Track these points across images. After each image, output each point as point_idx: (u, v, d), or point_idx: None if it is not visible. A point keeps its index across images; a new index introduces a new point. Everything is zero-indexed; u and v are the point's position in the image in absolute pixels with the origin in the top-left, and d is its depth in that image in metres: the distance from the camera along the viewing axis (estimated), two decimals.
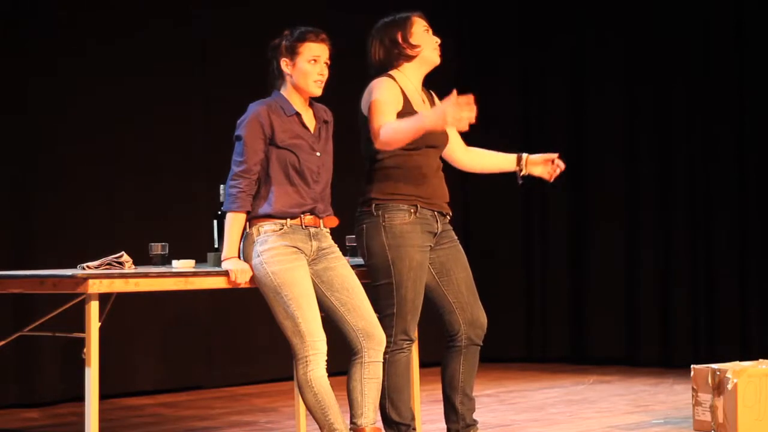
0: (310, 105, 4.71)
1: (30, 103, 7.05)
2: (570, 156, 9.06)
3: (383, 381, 4.65)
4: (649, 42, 8.76)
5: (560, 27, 9.19)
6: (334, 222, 4.73)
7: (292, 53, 4.60)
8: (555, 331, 9.20)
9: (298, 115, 4.63)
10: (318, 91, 4.63)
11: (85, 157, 7.23)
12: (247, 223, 4.60)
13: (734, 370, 5.45)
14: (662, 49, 8.71)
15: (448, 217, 4.93)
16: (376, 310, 4.69)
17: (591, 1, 9.05)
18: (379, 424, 4.65)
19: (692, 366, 5.66)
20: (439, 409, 4.99)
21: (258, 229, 4.57)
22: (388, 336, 4.71)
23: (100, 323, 4.35)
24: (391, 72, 4.82)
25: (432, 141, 4.80)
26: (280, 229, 4.56)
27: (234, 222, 4.56)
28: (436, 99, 5.00)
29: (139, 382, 7.51)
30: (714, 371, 5.50)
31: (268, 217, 4.57)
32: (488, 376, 8.14)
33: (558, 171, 5.05)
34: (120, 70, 7.36)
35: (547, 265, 9.27)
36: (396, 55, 4.82)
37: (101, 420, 4.44)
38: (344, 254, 4.79)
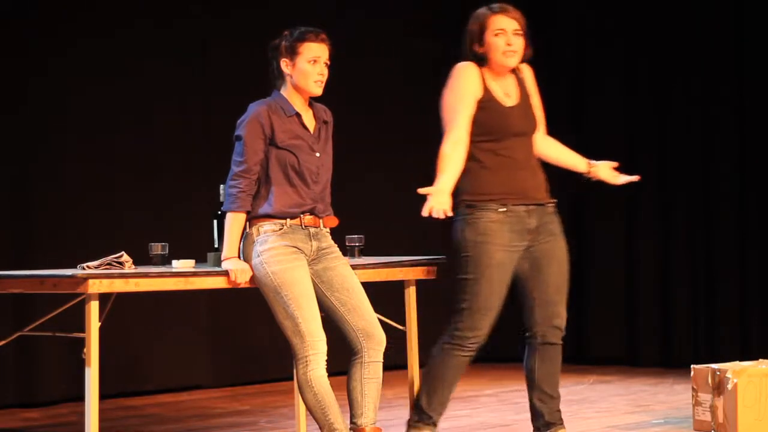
0: (310, 105, 4.71)
1: (30, 103, 7.05)
2: None
3: (428, 365, 4.61)
4: (649, 42, 8.76)
5: (560, 27, 9.18)
6: (334, 222, 4.73)
7: (292, 53, 4.59)
8: None
9: (298, 115, 4.63)
10: (318, 91, 4.63)
11: (85, 157, 7.23)
12: (247, 223, 4.61)
13: (734, 370, 5.44)
14: (662, 49, 8.70)
15: (550, 207, 4.83)
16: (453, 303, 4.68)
17: (591, 1, 9.05)
18: (380, 424, 4.65)
19: (692, 366, 5.66)
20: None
21: (258, 229, 4.58)
22: (455, 330, 4.70)
23: (100, 323, 4.35)
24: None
25: (518, 128, 4.76)
26: (280, 229, 4.57)
27: (234, 222, 4.56)
28: (527, 74, 4.90)
29: (139, 382, 7.51)
30: (714, 371, 5.50)
31: (268, 217, 4.57)
32: (488, 376, 8.13)
33: (623, 179, 4.97)
34: (120, 69, 7.36)
35: None
36: (474, 52, 4.76)
37: (101, 420, 4.44)
38: (344, 254, 4.79)
